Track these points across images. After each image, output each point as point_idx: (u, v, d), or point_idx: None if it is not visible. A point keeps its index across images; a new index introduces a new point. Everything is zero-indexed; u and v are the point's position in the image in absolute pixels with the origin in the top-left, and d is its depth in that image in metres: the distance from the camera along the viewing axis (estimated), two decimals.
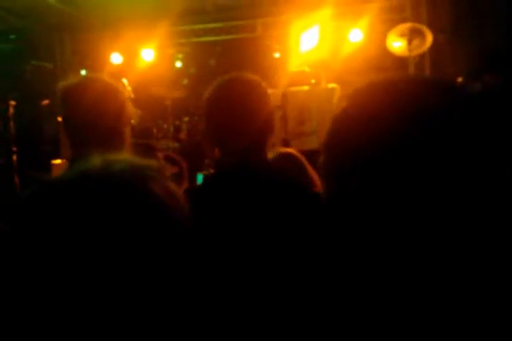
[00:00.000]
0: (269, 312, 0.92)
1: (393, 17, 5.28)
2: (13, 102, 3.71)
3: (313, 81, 4.03)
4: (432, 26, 4.60)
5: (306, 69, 4.20)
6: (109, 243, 0.59)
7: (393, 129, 0.51)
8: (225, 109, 1.18)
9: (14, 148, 3.62)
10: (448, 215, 0.49)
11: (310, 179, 1.58)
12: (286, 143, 3.11)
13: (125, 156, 0.68)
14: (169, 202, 0.64)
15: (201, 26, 6.08)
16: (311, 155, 2.01)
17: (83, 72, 6.38)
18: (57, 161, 4.26)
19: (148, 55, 5.82)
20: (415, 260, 0.50)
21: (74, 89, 1.38)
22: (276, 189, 1.12)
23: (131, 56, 5.80)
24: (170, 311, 0.61)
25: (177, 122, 5.24)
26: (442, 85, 0.55)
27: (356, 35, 5.24)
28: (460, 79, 3.95)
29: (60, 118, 4.50)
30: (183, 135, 5.04)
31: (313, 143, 3.50)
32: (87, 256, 0.58)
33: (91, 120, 1.34)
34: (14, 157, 3.60)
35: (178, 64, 6.87)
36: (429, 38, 4.44)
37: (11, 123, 3.64)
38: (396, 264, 0.51)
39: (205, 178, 1.34)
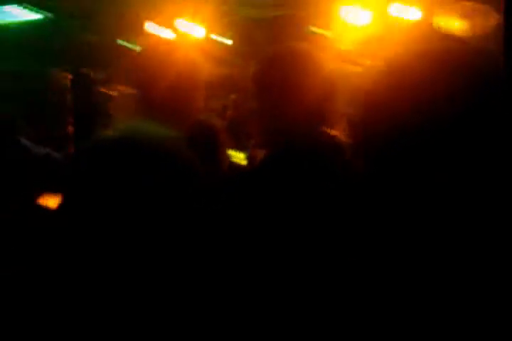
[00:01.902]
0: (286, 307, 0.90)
1: None
2: (69, 75, 3.82)
3: (368, 62, 3.91)
4: (496, 6, 4.32)
5: (359, 47, 4.07)
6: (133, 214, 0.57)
7: (437, 101, 0.47)
8: (276, 81, 1.11)
9: (71, 120, 3.75)
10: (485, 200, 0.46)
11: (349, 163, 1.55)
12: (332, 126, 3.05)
13: (150, 125, 0.67)
14: (192, 172, 0.62)
15: (250, 1, 5.98)
16: None
17: (127, 45, 6.44)
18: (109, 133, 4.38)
19: (199, 31, 5.80)
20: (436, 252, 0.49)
21: (154, 54, 1.30)
22: (322, 175, 1.08)
23: (180, 33, 5.80)
24: (175, 299, 0.60)
25: (224, 100, 5.24)
26: (488, 53, 0.50)
27: (414, 13, 5.01)
28: None
29: (115, 90, 4.54)
30: (229, 113, 5.05)
31: None
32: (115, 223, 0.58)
33: (167, 90, 1.25)
34: (70, 128, 3.73)
35: (229, 41, 6.82)
36: (493, 18, 4.19)
37: (68, 96, 3.76)
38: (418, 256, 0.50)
39: (253, 160, 1.31)
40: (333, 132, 1.44)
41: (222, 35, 6.72)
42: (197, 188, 0.62)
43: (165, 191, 0.59)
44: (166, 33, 5.82)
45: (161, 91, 1.24)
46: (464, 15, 4.24)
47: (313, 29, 6.04)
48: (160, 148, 0.61)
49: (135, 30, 5.70)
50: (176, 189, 0.60)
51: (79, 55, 5.59)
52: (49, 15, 5.84)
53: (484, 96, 0.45)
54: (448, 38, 4.57)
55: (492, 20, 4.18)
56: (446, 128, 0.46)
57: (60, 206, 0.63)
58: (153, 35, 5.68)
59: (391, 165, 0.49)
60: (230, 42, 6.83)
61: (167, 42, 1.66)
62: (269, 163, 1.19)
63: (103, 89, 4.67)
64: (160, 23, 5.81)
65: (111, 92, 4.55)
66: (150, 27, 5.78)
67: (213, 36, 6.12)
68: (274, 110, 1.14)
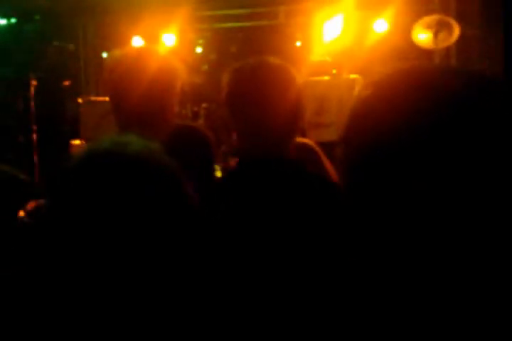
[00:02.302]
0: (284, 309, 0.91)
1: (420, 8, 5.16)
2: (34, 82, 3.74)
3: (334, 71, 3.98)
4: (460, 19, 4.48)
5: (328, 59, 4.14)
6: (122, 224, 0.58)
7: (417, 120, 0.49)
8: (249, 97, 1.12)
9: (34, 127, 3.67)
10: (471, 211, 0.47)
11: (325, 171, 1.56)
12: (302, 134, 3.09)
13: (134, 138, 0.67)
14: (177, 184, 0.63)
15: (223, 12, 6.03)
16: (328, 147, 1.98)
17: (104, 55, 6.40)
18: (77, 142, 4.31)
19: (169, 39, 5.80)
20: (427, 257, 0.49)
21: (130, 62, 1.26)
22: (299, 183, 1.09)
23: (152, 40, 5.79)
24: (175, 302, 0.61)
25: (195, 108, 5.24)
26: (471, 75, 0.52)
27: (381, 25, 5.14)
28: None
29: (83, 99, 4.50)
30: (201, 121, 5.04)
31: (331, 134, 3.46)
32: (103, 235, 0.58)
33: (142, 98, 1.22)
34: (34, 136, 3.65)
35: (199, 49, 6.84)
36: (457, 31, 4.34)
37: (32, 103, 3.68)
38: (407, 261, 0.50)
39: (227, 171, 1.30)
40: (304, 140, 1.45)
41: (193, 43, 6.74)
42: (182, 199, 0.64)
43: (153, 203, 0.60)
44: (136, 42, 5.79)
45: (133, 98, 1.22)
46: (429, 28, 4.37)
47: (285, 40, 6.12)
48: (145, 160, 0.63)
49: (117, 41, 5.67)
50: (162, 199, 0.61)
51: (45, 63, 5.49)
52: (13, 21, 5.74)
53: (459, 112, 0.48)
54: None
55: (455, 33, 4.33)
56: (423, 141, 0.48)
57: (51, 219, 0.62)
58: (128, 45, 5.66)
59: (372, 174, 0.51)
60: (200, 50, 6.85)
61: (138, 49, 1.63)
62: (238, 173, 1.20)
63: (70, 97, 4.60)
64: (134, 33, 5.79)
65: (78, 100, 4.49)
66: (137, 41, 5.75)
67: (184, 44, 6.11)
68: (245, 121, 1.15)
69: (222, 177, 1.24)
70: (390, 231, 0.51)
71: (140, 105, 1.26)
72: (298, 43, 6.39)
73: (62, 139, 4.34)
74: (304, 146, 1.60)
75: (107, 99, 4.45)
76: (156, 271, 0.60)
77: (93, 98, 4.44)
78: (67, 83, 4.49)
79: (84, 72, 6.45)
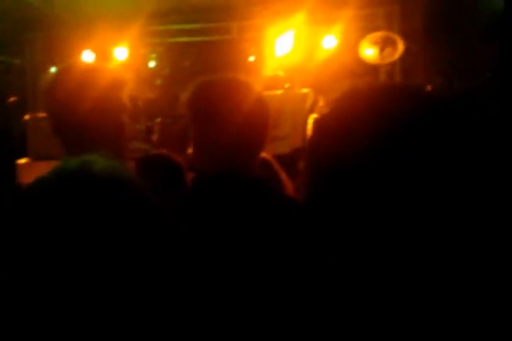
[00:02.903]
0: (254, 319, 0.90)
1: (366, 25, 5.38)
2: None
3: (287, 85, 4.06)
4: (403, 36, 4.71)
5: (281, 73, 4.22)
6: (95, 240, 0.59)
7: (371, 136, 0.52)
8: (210, 113, 1.11)
9: None
10: (427, 217, 0.50)
11: (282, 185, 1.57)
12: None
13: (98, 157, 0.68)
14: (147, 201, 0.65)
15: (176, 27, 6.03)
16: (282, 159, 2.01)
17: (53, 70, 6.22)
18: (23, 160, 4.14)
19: (121, 53, 5.73)
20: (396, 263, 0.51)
21: (68, 78, 1.17)
22: (258, 199, 1.09)
23: (103, 54, 5.69)
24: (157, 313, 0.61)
25: (149, 123, 5.18)
26: (417, 93, 0.57)
27: (330, 41, 5.31)
28: (429, 88, 4.05)
29: (31, 115, 4.31)
30: (154, 136, 4.98)
31: (285, 147, 3.52)
32: (75, 253, 0.58)
33: (91, 118, 1.14)
34: None
35: (152, 64, 6.79)
36: (401, 46, 4.55)
37: None
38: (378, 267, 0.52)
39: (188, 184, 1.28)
40: (262, 154, 1.44)
41: (146, 57, 6.69)
42: (147, 211, 0.66)
43: (120, 215, 0.64)
44: (86, 56, 5.68)
45: (79, 113, 1.14)
46: (375, 44, 4.56)
47: (238, 55, 6.19)
48: (111, 177, 0.66)
49: (66, 56, 5.52)
50: (128, 212, 0.64)
51: None
52: None
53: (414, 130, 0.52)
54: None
55: (399, 48, 4.54)
56: (377, 161, 0.52)
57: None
58: (78, 59, 5.53)
59: (332, 186, 0.54)
60: (153, 64, 6.81)
61: (85, 64, 1.56)
62: (197, 190, 1.17)
63: (16, 114, 4.44)
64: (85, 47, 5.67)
65: (25, 117, 4.33)
66: (87, 55, 5.62)
67: (136, 59, 6.05)
68: (205, 137, 1.12)
69: (188, 191, 1.22)
70: (350, 237, 0.53)
71: (86, 123, 1.19)
72: (251, 58, 6.48)
73: (9, 157, 4.16)
74: (262, 160, 1.59)
75: None
76: (124, 278, 0.61)
77: (41, 114, 4.30)
78: (13, 99, 4.32)
79: (31, 87, 6.25)
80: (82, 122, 1.15)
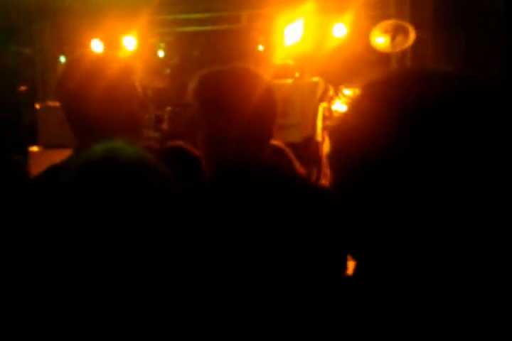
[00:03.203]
0: (267, 312, 0.90)
1: (377, 13, 5.31)
2: None
3: (297, 74, 4.04)
4: (414, 24, 4.65)
5: (290, 62, 4.20)
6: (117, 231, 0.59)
7: (406, 127, 0.50)
8: (219, 102, 1.09)
9: None
10: (460, 217, 0.48)
11: (296, 171, 1.58)
12: None
13: (123, 144, 0.68)
14: (169, 190, 0.66)
15: (185, 16, 6.00)
16: (294, 147, 2.01)
17: (62, 59, 6.24)
18: (35, 148, 4.18)
19: (130, 43, 5.72)
20: (420, 262, 0.50)
21: (82, 67, 1.18)
22: (278, 187, 1.08)
23: (112, 44, 5.69)
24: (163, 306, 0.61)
25: (159, 112, 5.18)
26: (449, 80, 0.53)
27: (340, 29, 5.26)
28: None
29: (41, 104, 4.34)
30: (164, 125, 4.99)
31: (295, 136, 3.51)
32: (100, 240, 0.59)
33: (109, 102, 1.16)
34: None
35: (161, 53, 6.78)
36: (412, 35, 4.49)
37: None
38: (401, 266, 0.51)
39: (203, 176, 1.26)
40: (274, 142, 1.43)
41: (156, 47, 6.67)
42: (169, 199, 0.66)
43: (146, 202, 0.63)
44: (95, 45, 5.68)
45: (91, 102, 1.16)
46: (386, 32, 4.51)
47: (247, 44, 6.16)
48: (138, 164, 0.65)
49: (76, 45, 5.52)
50: (154, 199, 0.64)
51: (1, 68, 5.30)
52: None
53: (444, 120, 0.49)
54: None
55: (411, 37, 4.49)
56: (412, 154, 0.49)
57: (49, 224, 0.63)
58: (87, 48, 5.53)
59: (361, 178, 0.52)
60: (162, 54, 6.79)
61: (95, 54, 1.57)
62: (212, 180, 1.17)
63: (27, 103, 4.46)
64: (97, 37, 5.67)
65: (36, 106, 4.36)
66: (96, 44, 5.62)
67: (145, 48, 6.05)
68: (215, 126, 1.12)
69: (203, 183, 1.20)
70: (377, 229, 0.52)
71: (98, 112, 1.20)
72: (260, 47, 6.44)
73: (20, 146, 4.20)
74: (275, 148, 1.58)
75: None
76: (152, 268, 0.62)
77: (51, 103, 4.32)
78: (23, 88, 4.34)
79: (41, 77, 6.27)
80: (94, 111, 1.16)
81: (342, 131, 0.56)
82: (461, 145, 0.48)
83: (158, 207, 0.63)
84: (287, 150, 1.68)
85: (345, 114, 0.57)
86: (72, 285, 0.60)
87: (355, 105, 0.57)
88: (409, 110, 0.50)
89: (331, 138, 0.58)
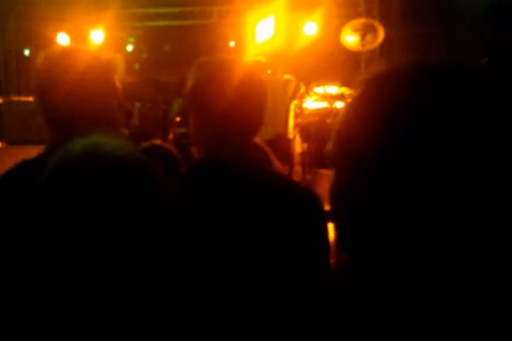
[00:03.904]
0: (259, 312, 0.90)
1: (347, 12, 5.37)
2: None
3: (269, 71, 4.04)
4: (383, 22, 4.72)
5: (262, 59, 4.19)
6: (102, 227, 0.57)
7: (409, 119, 0.49)
8: (218, 93, 1.08)
9: None
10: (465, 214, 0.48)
11: (276, 168, 1.58)
12: None
13: (105, 138, 0.66)
14: (157, 183, 0.63)
15: (155, 10, 5.90)
16: (267, 144, 2.01)
17: (27, 52, 6.03)
18: None
19: (97, 36, 5.58)
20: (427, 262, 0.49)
21: (58, 60, 1.18)
22: (265, 182, 1.08)
23: (79, 37, 5.53)
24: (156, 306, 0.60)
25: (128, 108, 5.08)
26: (457, 71, 0.52)
27: (311, 27, 5.29)
28: None
29: (4, 99, 4.16)
30: (134, 121, 4.90)
31: (267, 133, 3.51)
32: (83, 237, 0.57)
33: (78, 98, 1.15)
34: None
35: (130, 48, 6.64)
36: (381, 33, 4.57)
37: None
38: (404, 265, 0.50)
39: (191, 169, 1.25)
40: (256, 140, 1.44)
41: (124, 41, 6.53)
42: (158, 195, 0.63)
43: (132, 200, 0.60)
44: (61, 38, 5.51)
45: (65, 94, 1.13)
46: (357, 31, 4.57)
47: (218, 39, 6.11)
48: (120, 159, 0.62)
49: (40, 38, 5.33)
50: (140, 196, 0.61)
51: None
52: None
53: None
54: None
55: (380, 35, 4.56)
56: (414, 146, 0.48)
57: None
58: (53, 42, 5.36)
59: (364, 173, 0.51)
60: (130, 48, 6.66)
61: (68, 46, 1.54)
62: (202, 171, 1.17)
63: None
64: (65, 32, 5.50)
65: None
66: (62, 37, 5.44)
67: (113, 42, 5.90)
68: (212, 118, 1.11)
69: (187, 174, 1.19)
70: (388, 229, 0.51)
71: (71, 104, 1.19)
72: (232, 43, 6.41)
73: None
74: (255, 146, 1.58)
75: (29, 99, 4.18)
76: (138, 265, 0.60)
77: (15, 98, 4.18)
78: None
79: (4, 70, 6.04)
80: (66, 104, 1.14)
81: (346, 126, 0.54)
82: (477, 139, 0.47)
83: (138, 200, 0.61)
84: (266, 148, 1.68)
85: (348, 110, 0.56)
86: (55, 288, 0.58)
87: (358, 100, 0.55)
88: (418, 104, 0.49)
89: (333, 135, 0.56)
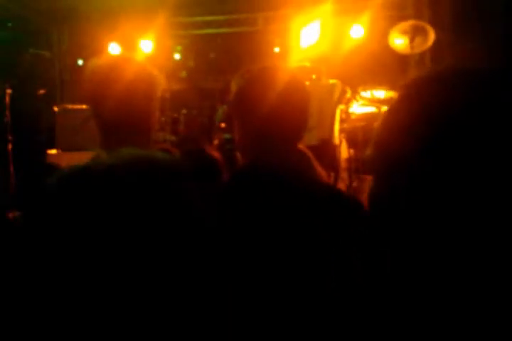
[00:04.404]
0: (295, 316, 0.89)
1: (395, 14, 5.25)
2: (9, 90, 3.65)
3: (313, 76, 4.00)
4: (433, 24, 4.57)
5: (307, 64, 4.16)
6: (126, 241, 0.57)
7: (448, 126, 0.48)
8: (262, 100, 1.10)
9: (10, 137, 3.57)
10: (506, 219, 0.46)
11: (318, 175, 1.56)
12: None
13: (149, 152, 0.66)
14: (192, 200, 0.63)
15: (201, 18, 6.02)
16: (310, 150, 1.98)
17: (80, 62, 6.31)
18: (53, 151, 4.22)
19: (146, 46, 5.76)
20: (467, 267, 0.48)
21: (107, 70, 1.25)
22: (304, 191, 1.08)
23: (129, 47, 5.73)
24: (175, 310, 0.60)
25: (175, 115, 5.20)
26: (496, 76, 0.52)
27: (358, 31, 5.21)
28: None
29: (59, 107, 4.38)
30: (180, 128, 5.01)
31: (313, 139, 3.47)
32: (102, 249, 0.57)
33: (125, 105, 1.22)
34: (9, 146, 3.55)
35: (177, 56, 6.80)
36: (431, 35, 4.42)
37: (7, 112, 3.59)
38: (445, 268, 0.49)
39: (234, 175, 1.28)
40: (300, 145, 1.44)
41: (172, 49, 6.70)
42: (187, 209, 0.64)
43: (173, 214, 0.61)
44: (112, 48, 5.73)
45: (111, 105, 1.21)
46: (405, 33, 4.45)
47: (263, 46, 6.15)
48: (167, 173, 0.63)
49: (93, 48, 5.57)
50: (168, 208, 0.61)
51: (21, 71, 5.38)
52: None
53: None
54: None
55: (430, 38, 4.41)
56: (454, 154, 0.47)
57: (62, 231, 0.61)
58: (105, 51, 5.59)
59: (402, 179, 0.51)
60: (178, 56, 6.82)
61: (115, 57, 1.60)
62: (247, 177, 1.19)
63: (45, 105, 4.51)
64: (116, 41, 5.73)
65: (54, 108, 4.40)
66: (113, 48, 5.68)
67: (162, 51, 6.08)
68: (256, 124, 1.14)
69: (231, 180, 1.22)
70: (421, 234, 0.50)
71: (120, 112, 1.25)
72: (276, 49, 6.42)
73: (39, 149, 4.25)
74: (298, 151, 1.60)
75: (83, 106, 4.35)
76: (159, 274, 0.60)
77: (69, 106, 4.36)
78: (42, 91, 4.39)
79: (59, 79, 6.35)
80: (112, 113, 1.20)
81: (384, 131, 0.54)
82: None
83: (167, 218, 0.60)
84: (310, 153, 1.67)
85: (387, 115, 0.55)
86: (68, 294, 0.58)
87: (396, 104, 0.55)
88: (456, 110, 0.48)
89: (373, 141, 0.56)
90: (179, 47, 6.80)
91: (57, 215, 0.60)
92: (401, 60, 4.90)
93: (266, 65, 1.17)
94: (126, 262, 0.58)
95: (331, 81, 3.95)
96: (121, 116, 1.23)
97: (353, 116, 4.19)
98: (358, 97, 4.15)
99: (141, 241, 0.58)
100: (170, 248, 0.60)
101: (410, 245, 0.51)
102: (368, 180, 3.82)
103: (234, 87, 1.17)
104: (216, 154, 1.82)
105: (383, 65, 4.98)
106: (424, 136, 0.49)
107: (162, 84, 1.37)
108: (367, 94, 4.34)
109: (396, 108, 0.54)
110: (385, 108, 4.86)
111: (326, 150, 3.45)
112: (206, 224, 0.66)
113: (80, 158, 1.33)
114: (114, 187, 0.59)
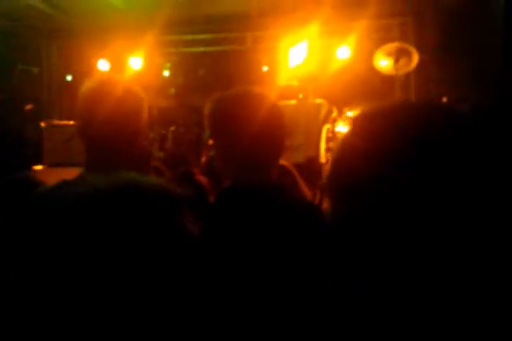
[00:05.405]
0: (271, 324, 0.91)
1: (381, 36, 5.39)
2: None
3: (300, 95, 4.06)
4: (418, 46, 4.70)
5: (295, 83, 4.23)
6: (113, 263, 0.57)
7: (398, 154, 0.52)
8: (236, 123, 1.15)
9: None
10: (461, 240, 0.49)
11: (302, 192, 1.58)
12: None
13: (146, 177, 0.67)
14: (185, 227, 0.63)
15: (190, 37, 6.10)
16: (297, 168, 2.01)
17: (69, 78, 6.32)
18: (39, 167, 4.18)
19: (136, 63, 5.80)
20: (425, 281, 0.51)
21: (96, 90, 1.29)
22: (286, 208, 1.10)
23: (118, 63, 5.77)
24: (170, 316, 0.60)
25: (163, 131, 5.21)
26: (442, 109, 0.56)
27: (344, 52, 5.32)
28: (444, 100, 4.03)
29: (46, 123, 4.35)
30: (168, 144, 5.01)
31: (299, 157, 3.51)
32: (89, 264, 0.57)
33: (113, 125, 1.26)
34: None
35: (166, 73, 6.85)
36: (416, 57, 4.53)
37: None
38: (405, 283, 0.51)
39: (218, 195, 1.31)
40: (282, 162, 1.47)
41: (160, 66, 6.75)
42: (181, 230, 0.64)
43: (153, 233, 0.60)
44: (101, 65, 5.75)
45: (99, 122, 1.25)
46: (390, 55, 4.55)
47: (252, 65, 6.23)
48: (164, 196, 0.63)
49: (82, 64, 5.60)
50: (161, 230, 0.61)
51: (8, 86, 5.36)
52: None
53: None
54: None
55: (414, 59, 4.52)
56: (404, 179, 0.51)
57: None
58: (94, 68, 5.61)
59: (356, 204, 0.54)
60: (167, 74, 6.87)
61: (103, 74, 1.63)
62: (227, 198, 1.21)
63: (32, 121, 4.49)
64: (103, 58, 5.75)
65: (41, 124, 4.39)
66: (102, 64, 5.71)
67: (151, 68, 6.12)
68: (231, 147, 1.18)
69: (215, 202, 1.25)
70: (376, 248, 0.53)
71: (104, 128, 1.27)
72: (264, 68, 6.51)
73: (25, 164, 4.21)
74: (282, 168, 1.64)
75: (70, 122, 4.31)
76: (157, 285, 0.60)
77: (56, 122, 4.35)
78: (29, 107, 4.37)
79: (47, 95, 6.33)
80: (101, 130, 1.22)
81: (347, 142, 0.58)
82: (460, 176, 0.49)
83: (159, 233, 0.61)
84: (294, 171, 1.69)
85: (339, 145, 0.59)
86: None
87: (348, 136, 0.59)
88: (401, 142, 0.52)
89: (337, 148, 0.61)
90: (168, 65, 6.86)
91: (32, 238, 0.59)
92: (386, 81, 5.00)
93: (238, 89, 1.22)
94: (110, 299, 0.58)
95: (318, 100, 4.01)
96: (107, 135, 1.26)
97: (339, 135, 4.24)
98: (343, 117, 4.22)
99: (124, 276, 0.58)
100: (156, 278, 0.60)
101: (371, 261, 0.53)
102: None
103: (206, 110, 1.21)
104: (202, 179, 1.85)
105: (369, 86, 5.08)
106: (371, 167, 0.52)
107: (148, 103, 1.40)
108: (352, 114, 4.41)
109: (347, 139, 0.58)
110: None
111: (312, 168, 3.48)
112: (196, 246, 0.67)
113: (66, 174, 1.34)
114: (99, 218, 0.59)
